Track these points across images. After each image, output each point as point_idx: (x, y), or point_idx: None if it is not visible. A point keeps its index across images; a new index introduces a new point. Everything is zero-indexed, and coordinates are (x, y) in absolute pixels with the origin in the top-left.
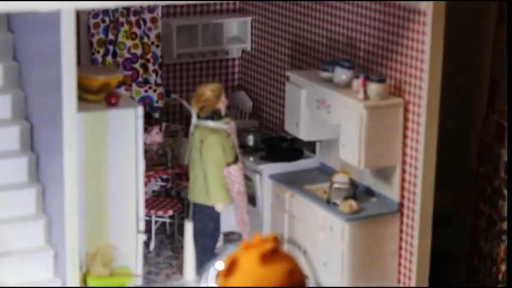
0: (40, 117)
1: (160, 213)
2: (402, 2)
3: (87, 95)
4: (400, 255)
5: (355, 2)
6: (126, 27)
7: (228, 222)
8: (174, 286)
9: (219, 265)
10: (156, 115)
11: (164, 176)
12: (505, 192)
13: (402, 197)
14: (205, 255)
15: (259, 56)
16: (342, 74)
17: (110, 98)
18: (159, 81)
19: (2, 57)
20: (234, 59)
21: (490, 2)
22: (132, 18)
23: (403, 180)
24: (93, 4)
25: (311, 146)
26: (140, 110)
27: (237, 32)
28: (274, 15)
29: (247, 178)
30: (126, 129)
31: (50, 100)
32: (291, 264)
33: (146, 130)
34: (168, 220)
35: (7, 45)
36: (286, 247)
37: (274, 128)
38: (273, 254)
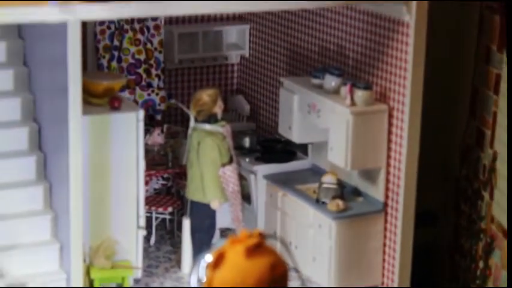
0: (48, 119)
1: (160, 210)
2: (387, 14)
3: (91, 99)
4: (384, 252)
5: (345, 13)
6: (130, 34)
7: (223, 219)
8: (173, 287)
9: (208, 258)
10: (158, 117)
11: (165, 175)
12: (484, 193)
13: (386, 197)
14: (201, 250)
15: (256, 62)
16: (331, 81)
17: (113, 102)
18: (161, 85)
19: (13, 63)
20: (232, 65)
21: (471, 13)
22: (136, 26)
23: (387, 181)
24: (97, 15)
25: (304, 148)
26: (141, 113)
27: (236, 39)
28: (271, 24)
29: (242, 178)
30: (128, 131)
31: (57, 103)
32: (274, 258)
33: (148, 131)
34: (168, 216)
35: (18, 51)
36: (277, 243)
37: (270, 131)
38: (257, 248)
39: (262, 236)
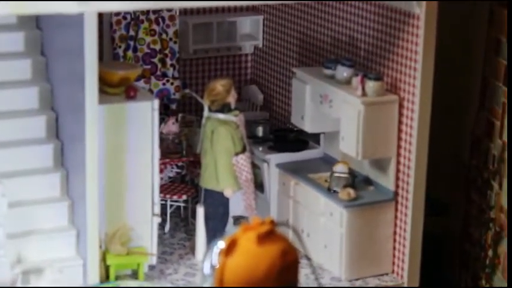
0: (65, 108)
1: (175, 197)
2: (398, 6)
3: (108, 88)
4: (394, 240)
5: (357, 5)
6: (146, 24)
7: (236, 207)
8: (188, 286)
9: (221, 244)
10: (173, 106)
11: (179, 164)
12: (493, 183)
13: (397, 186)
14: (215, 237)
15: (270, 53)
16: (343, 72)
17: (128, 91)
18: (176, 75)
19: (31, 53)
20: (246, 55)
21: (481, 3)
22: (152, 16)
23: (397, 170)
24: (113, 6)
25: (316, 137)
26: (156, 102)
27: (250, 30)
28: (284, 15)
29: (255, 166)
30: (143, 120)
31: (74, 92)
32: (285, 244)
33: (163, 120)
34: (182, 204)
35: (35, 42)
36: (289, 231)
37: (283, 120)
38: (269, 235)
39: (273, 224)
